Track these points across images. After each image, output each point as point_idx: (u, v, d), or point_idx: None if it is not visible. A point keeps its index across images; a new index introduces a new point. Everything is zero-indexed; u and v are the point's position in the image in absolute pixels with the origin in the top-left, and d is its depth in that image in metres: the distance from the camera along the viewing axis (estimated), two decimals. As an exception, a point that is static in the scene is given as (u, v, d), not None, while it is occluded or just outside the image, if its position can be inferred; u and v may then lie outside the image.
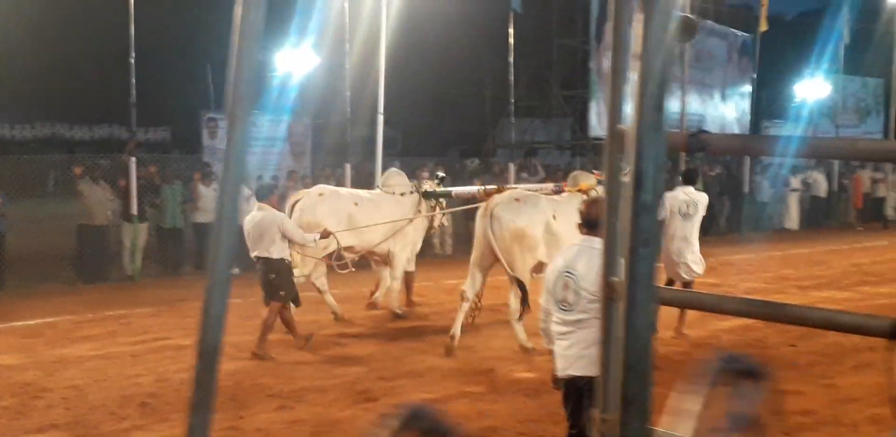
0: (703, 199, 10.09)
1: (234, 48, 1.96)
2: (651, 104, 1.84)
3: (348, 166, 17.54)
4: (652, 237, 1.93)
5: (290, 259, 9.58)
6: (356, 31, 17.14)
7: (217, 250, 1.99)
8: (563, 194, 10.21)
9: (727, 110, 29.21)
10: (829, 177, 24.99)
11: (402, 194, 11.58)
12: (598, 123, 23.96)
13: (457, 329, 9.38)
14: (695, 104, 27.51)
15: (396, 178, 11.94)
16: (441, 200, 11.91)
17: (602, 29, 24.77)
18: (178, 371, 8.38)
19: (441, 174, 12.67)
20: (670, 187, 10.36)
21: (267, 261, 9.24)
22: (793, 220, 23.59)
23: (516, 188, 10.78)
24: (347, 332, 10.46)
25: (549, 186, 11.27)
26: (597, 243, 5.10)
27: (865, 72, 32.28)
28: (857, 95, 34.68)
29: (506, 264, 9.40)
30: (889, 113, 31.18)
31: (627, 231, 1.95)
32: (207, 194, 15.06)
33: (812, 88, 29.60)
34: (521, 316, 9.33)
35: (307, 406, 7.43)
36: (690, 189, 10.06)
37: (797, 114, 30.75)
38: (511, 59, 20.39)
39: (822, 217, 24.67)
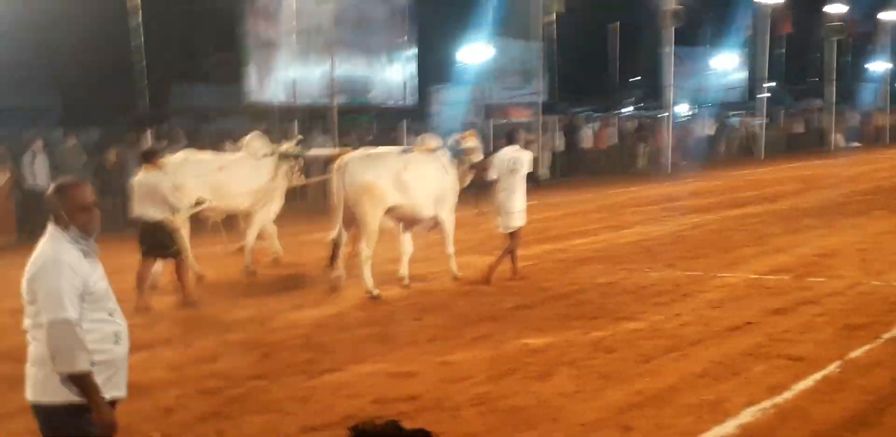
0: (525, 156, 11.32)
1: None
2: None
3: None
4: None
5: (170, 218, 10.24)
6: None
7: None
8: (413, 152, 11.20)
9: (393, 74, 29.46)
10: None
11: (263, 156, 12.39)
12: (257, 88, 23.24)
13: (341, 270, 10.81)
14: (361, 68, 27.47)
15: (258, 140, 12.69)
16: (299, 159, 12.82)
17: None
18: None
19: (300, 136, 14.08)
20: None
21: (149, 220, 10.03)
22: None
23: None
24: None
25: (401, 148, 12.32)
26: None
27: (529, 35, 33.63)
28: (521, 58, 36.30)
29: (358, 215, 10.42)
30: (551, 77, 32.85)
31: None
32: None
33: (476, 52, 30.49)
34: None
35: None
36: (516, 147, 11.33)
37: (463, 77, 31.68)
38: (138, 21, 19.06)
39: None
